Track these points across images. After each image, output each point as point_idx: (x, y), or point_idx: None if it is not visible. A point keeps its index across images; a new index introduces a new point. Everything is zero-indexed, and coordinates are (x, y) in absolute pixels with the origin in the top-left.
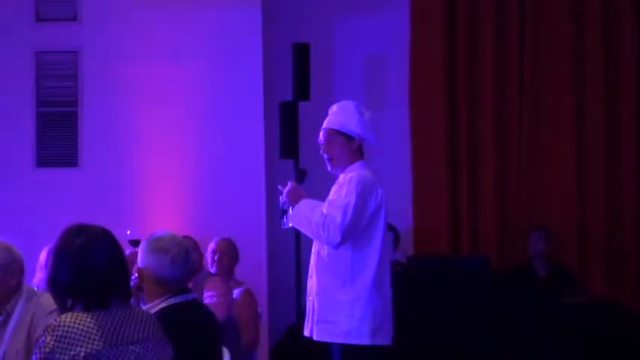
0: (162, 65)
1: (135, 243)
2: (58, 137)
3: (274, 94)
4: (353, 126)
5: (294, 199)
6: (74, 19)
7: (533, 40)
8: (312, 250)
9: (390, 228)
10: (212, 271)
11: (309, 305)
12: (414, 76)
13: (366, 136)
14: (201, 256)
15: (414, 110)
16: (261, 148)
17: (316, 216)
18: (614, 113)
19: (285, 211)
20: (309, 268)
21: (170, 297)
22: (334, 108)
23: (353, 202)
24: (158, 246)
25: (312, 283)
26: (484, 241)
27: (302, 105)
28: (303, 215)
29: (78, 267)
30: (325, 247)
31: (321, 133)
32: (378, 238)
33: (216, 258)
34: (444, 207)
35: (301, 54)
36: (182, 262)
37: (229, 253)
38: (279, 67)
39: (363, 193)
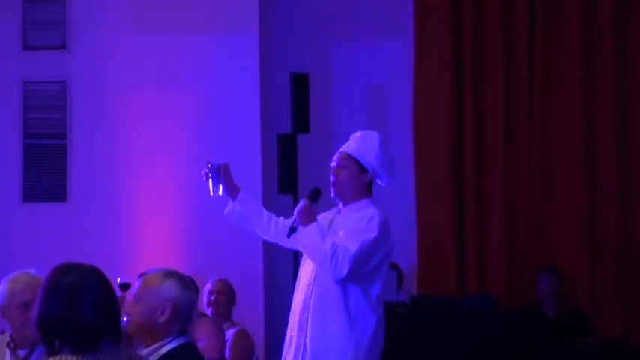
0: (155, 96)
1: (125, 286)
2: (45, 171)
3: (272, 126)
4: (371, 159)
5: (306, 220)
6: (63, 47)
7: (543, 73)
8: (304, 282)
9: (393, 266)
10: (208, 312)
11: (292, 342)
12: (418, 107)
13: (381, 175)
14: (199, 296)
15: (418, 143)
16: (258, 182)
17: (327, 244)
18: (626, 143)
19: (294, 229)
20: (298, 302)
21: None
22: (357, 135)
23: (371, 239)
24: None
25: (303, 319)
26: (492, 279)
27: (301, 138)
28: (312, 239)
29: (66, 307)
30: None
31: (335, 156)
32: (381, 281)
33: (212, 298)
34: (450, 244)
35: (300, 84)
36: None
37: (226, 294)
38: (277, 98)
39: (381, 236)
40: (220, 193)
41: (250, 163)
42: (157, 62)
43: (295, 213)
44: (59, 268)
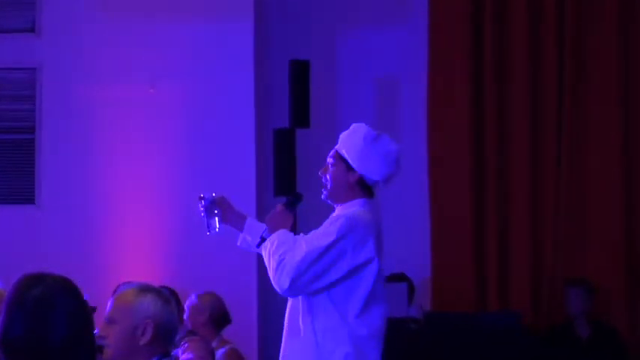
0: (136, 86)
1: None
2: (11, 169)
3: (268, 121)
4: (354, 155)
5: (274, 227)
6: (32, 30)
7: (575, 65)
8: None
9: (403, 278)
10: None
11: None
12: (432, 102)
13: (366, 173)
14: (182, 311)
15: (433, 141)
16: (252, 183)
17: (279, 251)
18: None
19: (264, 239)
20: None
21: None
22: (352, 128)
23: (323, 246)
24: None
25: (283, 336)
26: (515, 293)
27: (300, 133)
28: (271, 247)
29: (33, 324)
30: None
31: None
32: (361, 297)
33: (184, 316)
34: (468, 253)
35: (300, 73)
36: None
37: (203, 310)
38: (274, 89)
39: (346, 240)
40: (217, 229)
41: (243, 162)
42: (139, 49)
43: (266, 220)
44: (25, 279)
